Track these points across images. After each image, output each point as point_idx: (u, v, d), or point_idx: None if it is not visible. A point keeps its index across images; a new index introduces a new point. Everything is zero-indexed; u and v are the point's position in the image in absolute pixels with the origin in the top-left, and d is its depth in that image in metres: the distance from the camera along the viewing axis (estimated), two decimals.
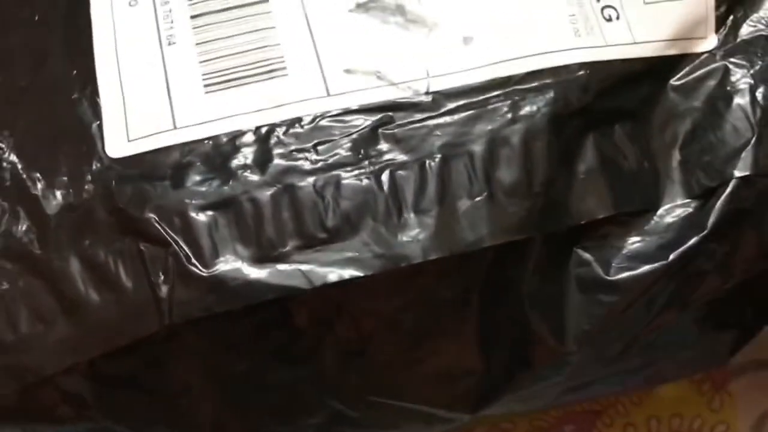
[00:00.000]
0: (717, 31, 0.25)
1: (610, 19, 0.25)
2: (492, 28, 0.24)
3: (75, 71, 0.24)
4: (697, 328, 0.26)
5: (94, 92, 0.23)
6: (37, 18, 0.25)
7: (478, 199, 0.22)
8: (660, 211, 0.23)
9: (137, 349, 0.22)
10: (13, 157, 0.23)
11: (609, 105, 0.24)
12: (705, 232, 0.23)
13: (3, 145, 0.23)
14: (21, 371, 0.22)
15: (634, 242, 0.23)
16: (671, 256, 0.23)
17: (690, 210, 0.23)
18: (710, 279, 0.24)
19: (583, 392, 0.28)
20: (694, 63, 0.25)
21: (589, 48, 0.24)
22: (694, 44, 0.25)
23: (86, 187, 0.22)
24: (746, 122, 0.24)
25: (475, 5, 0.25)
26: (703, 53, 0.25)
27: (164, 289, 0.21)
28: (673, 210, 0.23)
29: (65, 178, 0.22)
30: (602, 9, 0.25)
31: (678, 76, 0.25)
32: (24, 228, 0.22)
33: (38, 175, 0.23)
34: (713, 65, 0.24)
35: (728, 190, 0.23)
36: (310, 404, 0.24)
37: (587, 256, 0.23)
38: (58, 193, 0.22)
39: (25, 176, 0.23)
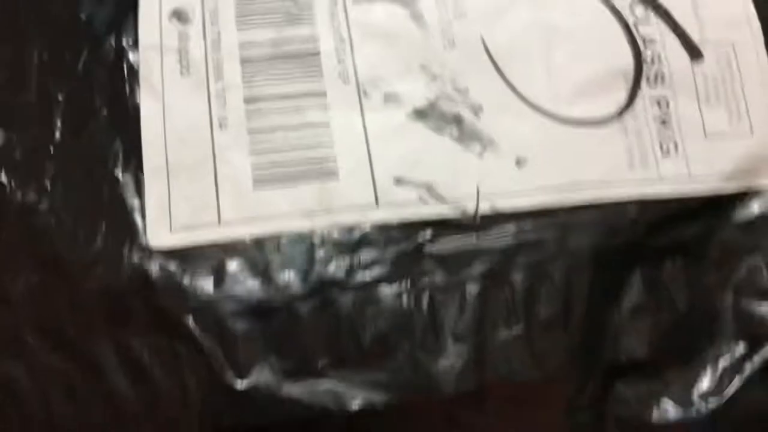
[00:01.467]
0: None
1: (668, 153, 0.25)
2: (546, 151, 0.24)
3: (119, 140, 0.23)
4: None
5: (138, 168, 0.23)
6: (80, 67, 0.24)
7: (514, 331, 0.22)
8: (708, 354, 0.23)
9: None
10: (51, 220, 0.23)
11: (660, 240, 0.24)
12: (747, 378, 0.23)
13: (39, 209, 0.23)
14: None
15: (677, 385, 0.23)
16: (713, 401, 0.23)
17: (736, 356, 0.23)
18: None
19: None
20: (759, 200, 0.24)
21: (641, 180, 0.24)
22: (759, 179, 0.24)
23: (126, 273, 0.22)
24: None
25: (531, 127, 0.24)
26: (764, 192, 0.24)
27: (196, 396, 0.21)
28: (721, 354, 0.23)
29: (104, 258, 0.22)
30: (661, 141, 0.25)
31: (738, 213, 0.24)
32: (58, 303, 0.22)
33: (75, 249, 0.22)
34: None
35: None
36: None
37: (627, 393, 0.23)
38: (97, 272, 0.22)
39: (61, 245, 0.22)
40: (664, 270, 0.24)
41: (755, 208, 0.24)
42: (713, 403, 0.23)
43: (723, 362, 0.23)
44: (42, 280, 0.22)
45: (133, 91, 0.24)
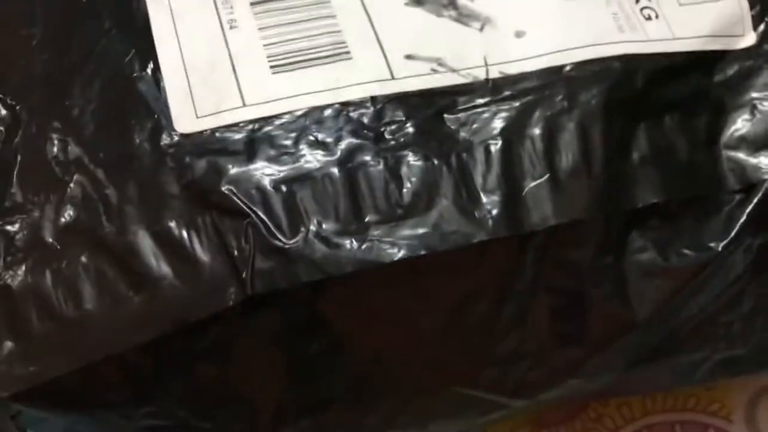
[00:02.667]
0: (755, 29, 0.26)
1: (649, 18, 0.26)
2: (542, 23, 0.25)
3: (133, 50, 0.24)
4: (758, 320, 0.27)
5: (156, 69, 0.23)
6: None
7: (540, 180, 0.23)
8: (710, 200, 0.24)
9: (207, 326, 0.21)
10: (77, 134, 0.23)
11: (657, 97, 0.25)
12: (746, 222, 0.24)
13: (64, 124, 0.23)
14: (85, 350, 0.21)
15: (687, 228, 0.24)
16: (721, 244, 0.24)
17: (734, 201, 0.24)
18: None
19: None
20: (736, 59, 0.26)
21: (634, 42, 0.26)
22: (733, 42, 0.26)
23: (156, 161, 0.22)
24: None
25: (523, 4, 0.26)
26: (743, 50, 0.26)
27: (245, 261, 0.21)
28: (722, 200, 0.24)
29: (133, 154, 0.22)
30: (641, 9, 0.26)
31: (721, 72, 0.26)
32: (90, 203, 0.22)
33: (103, 151, 0.22)
34: (753, 62, 0.26)
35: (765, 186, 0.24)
36: (378, 390, 0.24)
37: (645, 239, 0.24)
38: (126, 168, 0.22)
39: (90, 152, 0.22)
40: (664, 123, 0.25)
41: (735, 65, 0.26)
42: (722, 243, 0.24)
43: (726, 207, 0.24)
44: (72, 179, 0.22)
45: (142, 4, 0.24)
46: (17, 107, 0.23)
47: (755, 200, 0.24)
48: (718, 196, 0.24)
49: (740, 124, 0.25)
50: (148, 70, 0.23)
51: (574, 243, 0.23)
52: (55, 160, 0.22)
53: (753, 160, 0.25)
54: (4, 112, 0.23)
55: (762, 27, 0.26)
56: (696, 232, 0.24)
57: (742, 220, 0.24)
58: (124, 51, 0.24)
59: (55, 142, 0.23)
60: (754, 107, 0.25)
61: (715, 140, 0.25)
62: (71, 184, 0.22)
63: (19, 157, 0.23)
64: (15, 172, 0.22)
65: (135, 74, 0.23)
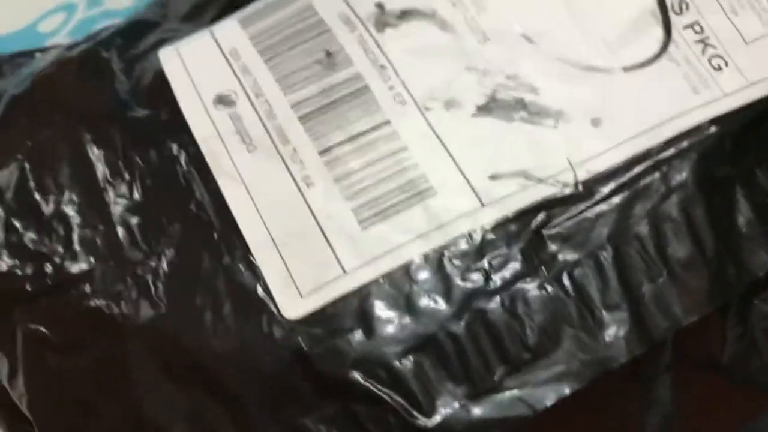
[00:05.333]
0: None
1: (719, 69, 0.25)
2: (615, 105, 0.24)
3: (216, 234, 0.23)
4: None
5: (246, 252, 0.22)
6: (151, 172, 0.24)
7: (660, 280, 0.22)
8: None
9: None
10: (175, 324, 0.22)
11: (746, 152, 0.24)
12: None
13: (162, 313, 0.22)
14: None
15: None
16: None
17: None
18: None
19: None
20: None
21: (711, 103, 0.25)
22: None
23: (273, 355, 0.21)
24: None
25: (590, 87, 0.24)
26: None
27: None
28: None
29: (242, 348, 0.22)
30: (710, 60, 0.25)
31: None
32: (216, 411, 0.21)
33: (209, 349, 0.22)
34: None
35: None
36: None
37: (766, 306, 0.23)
38: (241, 364, 0.21)
39: (194, 344, 0.22)
40: (759, 179, 0.24)
41: None
42: None
43: None
44: (184, 386, 0.21)
45: (209, 183, 0.23)
46: None
47: None
48: None
49: None
50: (238, 254, 0.22)
51: (702, 331, 0.23)
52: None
53: None
54: None
55: None
56: None
57: None
58: (206, 235, 0.23)
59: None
60: None
61: None
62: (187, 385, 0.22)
63: None
64: None
65: (225, 260, 0.23)
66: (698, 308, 0.22)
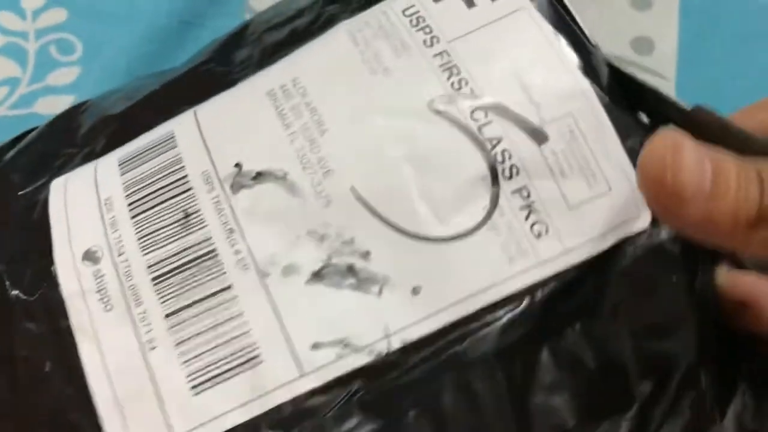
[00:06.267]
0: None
1: (539, 235, 0.27)
2: (434, 274, 0.27)
3: (71, 387, 0.26)
4: None
5: (93, 412, 0.26)
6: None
7: None
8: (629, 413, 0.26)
9: None
10: None
11: (558, 315, 0.26)
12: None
13: None
14: None
15: None
16: None
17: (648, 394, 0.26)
18: None
19: None
20: (634, 245, 0.27)
21: (525, 272, 0.27)
22: (629, 227, 0.27)
23: None
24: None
25: (415, 255, 0.27)
26: (639, 233, 0.27)
27: None
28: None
29: None
30: (531, 226, 0.27)
31: (620, 262, 0.27)
32: None
33: None
34: (648, 243, 0.27)
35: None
36: None
37: None
38: None
39: None
40: (567, 338, 0.26)
41: (630, 252, 0.27)
42: None
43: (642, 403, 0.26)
44: None
45: (71, 340, 0.27)
46: None
47: None
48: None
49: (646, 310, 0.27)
50: (86, 413, 0.26)
51: None
52: None
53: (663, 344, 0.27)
54: None
55: None
56: None
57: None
58: (61, 391, 0.26)
59: None
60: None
61: (624, 334, 0.27)
62: None
63: None
64: None
65: (71, 416, 0.26)
66: None
